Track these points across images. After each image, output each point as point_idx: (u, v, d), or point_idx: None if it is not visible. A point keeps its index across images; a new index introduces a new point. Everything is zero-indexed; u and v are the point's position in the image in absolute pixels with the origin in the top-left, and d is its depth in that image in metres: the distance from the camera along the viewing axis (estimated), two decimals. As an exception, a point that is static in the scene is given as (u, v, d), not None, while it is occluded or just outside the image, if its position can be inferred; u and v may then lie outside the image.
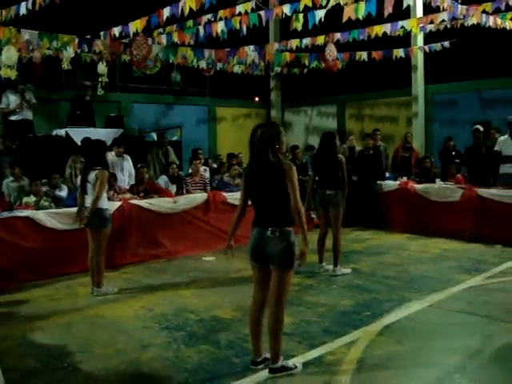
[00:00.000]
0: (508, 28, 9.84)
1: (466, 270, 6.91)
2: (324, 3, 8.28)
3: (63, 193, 8.25)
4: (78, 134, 9.57)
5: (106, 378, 3.92)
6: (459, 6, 8.66)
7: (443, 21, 9.90)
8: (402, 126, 13.80)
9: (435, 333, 4.74)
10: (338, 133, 7.35)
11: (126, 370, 4.05)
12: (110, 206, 6.60)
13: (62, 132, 10.01)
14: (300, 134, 16.78)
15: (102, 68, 10.39)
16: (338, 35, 10.72)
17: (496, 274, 6.72)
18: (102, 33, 9.55)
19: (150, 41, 9.31)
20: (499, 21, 9.58)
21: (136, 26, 8.65)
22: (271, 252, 3.82)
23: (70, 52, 8.75)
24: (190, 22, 9.96)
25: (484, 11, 9.12)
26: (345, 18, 8.26)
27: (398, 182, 10.15)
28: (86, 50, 8.81)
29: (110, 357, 4.28)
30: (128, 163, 9.23)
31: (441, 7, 8.68)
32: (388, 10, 7.84)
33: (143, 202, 7.79)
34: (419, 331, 4.79)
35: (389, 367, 4.02)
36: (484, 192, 8.73)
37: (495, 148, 9.01)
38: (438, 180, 9.67)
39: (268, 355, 3.95)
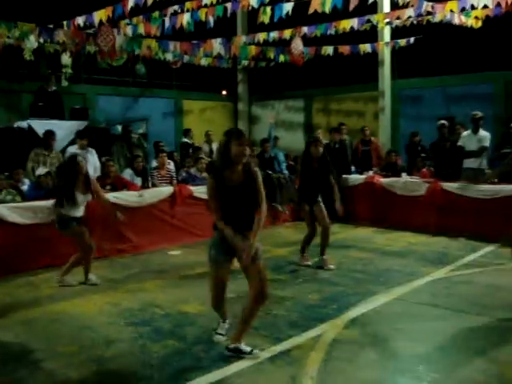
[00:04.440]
0: (471, 26, 10.00)
1: (430, 262, 7.01)
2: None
3: (25, 187, 8.03)
4: (41, 126, 9.31)
5: (69, 376, 3.83)
6: (425, 2, 8.76)
7: (410, 17, 9.99)
8: (369, 121, 13.91)
9: (400, 325, 4.79)
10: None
11: (90, 367, 3.96)
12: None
13: (23, 124, 9.74)
14: (267, 127, 16.74)
15: (65, 59, 10.19)
16: (305, 29, 10.72)
17: (459, 266, 6.84)
18: (65, 22, 9.33)
19: (115, 31, 9.14)
20: (463, 18, 9.72)
21: (100, 15, 8.48)
22: None
23: (32, 42, 8.52)
24: (156, 14, 9.82)
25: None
26: (311, 11, 8.25)
27: (363, 176, 10.23)
28: (49, 40, 8.59)
29: (73, 354, 4.19)
30: (93, 156, 9.04)
31: (407, 3, 8.75)
32: (354, 2, 7.85)
33: (109, 196, 7.63)
34: (385, 324, 4.83)
35: (355, 359, 4.05)
36: (448, 186, 8.88)
37: (459, 143, 9.15)
38: (403, 174, 9.79)
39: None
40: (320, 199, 6.90)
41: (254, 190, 3.96)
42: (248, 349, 4.06)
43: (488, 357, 4.08)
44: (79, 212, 6.15)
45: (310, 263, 6.97)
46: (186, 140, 11.88)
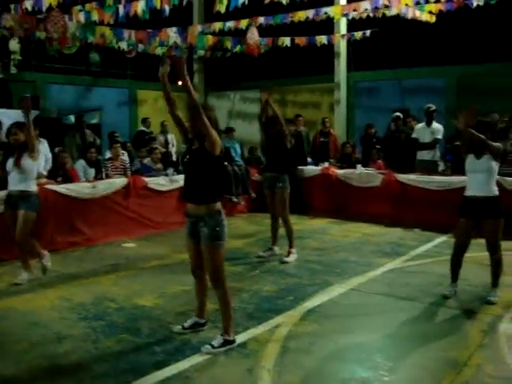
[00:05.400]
0: (425, 20, 10.17)
1: (386, 253, 7.10)
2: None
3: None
4: (-13, 115, 8.98)
5: (18, 375, 3.68)
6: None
7: (366, 9, 10.07)
8: (325, 113, 14.01)
9: (357, 315, 4.83)
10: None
11: (41, 365, 3.82)
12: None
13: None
14: (223, 118, 16.66)
15: (13, 45, 9.81)
16: (261, 19, 10.67)
17: (414, 256, 6.95)
18: (12, 6, 8.96)
19: (66, 18, 8.85)
20: (418, 12, 9.87)
21: (50, 0, 8.18)
22: None
23: (-23, 27, 8.18)
24: (111, 1, 9.56)
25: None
26: (267, 0, 8.20)
27: (319, 168, 10.28)
28: (-4, 24, 8.26)
29: (23, 352, 4.04)
30: (44, 147, 8.73)
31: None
32: None
33: (60, 188, 7.43)
34: (341, 314, 4.86)
35: (312, 350, 4.05)
36: (403, 178, 9.01)
37: (413, 135, 9.30)
38: (358, 166, 9.88)
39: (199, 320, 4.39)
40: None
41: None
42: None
43: (441, 344, 4.16)
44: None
45: (264, 254, 6.95)
46: (143, 128, 11.71)
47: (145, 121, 12.02)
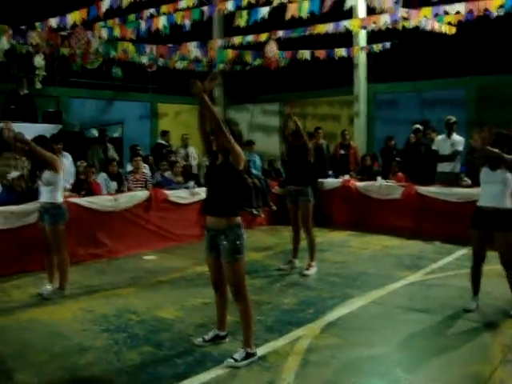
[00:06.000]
0: (445, 32, 10.14)
1: (406, 266, 7.06)
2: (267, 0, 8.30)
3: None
4: (13, 130, 9.15)
5: (41, 386, 3.74)
6: (400, 8, 8.85)
7: (385, 22, 10.07)
8: (344, 125, 13.99)
9: (377, 328, 4.81)
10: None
11: (62, 376, 3.87)
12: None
13: (-5, 127, 9.54)
14: (243, 131, 16.69)
15: (38, 61, 9.99)
16: (280, 33, 10.75)
17: (434, 269, 6.90)
18: (38, 24, 9.18)
19: (89, 34, 9.03)
20: (437, 24, 9.85)
21: (74, 17, 8.37)
22: None
23: (3, 43, 8.35)
24: (133, 17, 9.74)
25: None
26: (288, 16, 8.27)
27: (339, 180, 10.28)
28: (21, 41, 8.45)
29: (45, 363, 4.10)
30: (67, 161, 8.91)
31: (382, 9, 8.82)
32: (326, 7, 7.89)
33: (83, 201, 7.54)
34: (361, 327, 4.85)
35: (332, 363, 4.04)
36: (423, 190, 8.97)
37: (433, 147, 9.26)
38: (379, 178, 9.85)
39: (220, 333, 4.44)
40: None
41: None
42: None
43: (462, 359, 4.12)
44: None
45: (285, 267, 6.97)
46: (161, 141, 11.82)
47: (164, 134, 12.11)
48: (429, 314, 5.15)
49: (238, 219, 4.08)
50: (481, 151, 4.99)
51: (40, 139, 5.93)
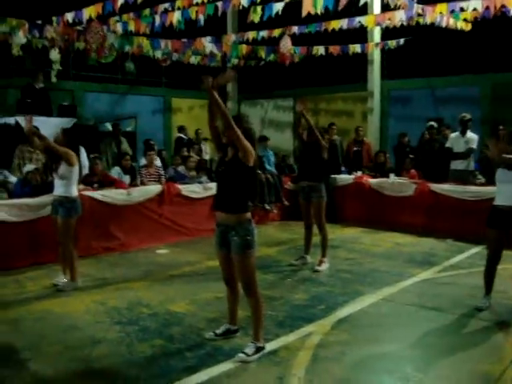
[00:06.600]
0: (460, 28, 10.07)
1: (418, 263, 7.05)
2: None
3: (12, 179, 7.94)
4: (28, 123, 9.22)
5: (54, 377, 3.79)
6: (415, 5, 8.79)
7: (400, 19, 10.01)
8: (358, 121, 13.95)
9: (387, 325, 4.82)
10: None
11: (76, 368, 3.92)
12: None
13: (11, 120, 9.64)
14: (256, 126, 16.72)
15: (54, 55, 10.05)
16: (294, 28, 10.73)
17: (446, 267, 6.88)
18: (54, 18, 9.25)
19: (105, 28, 9.08)
20: (452, 21, 9.78)
21: (90, 12, 8.42)
22: None
23: (20, 37, 8.43)
24: (147, 11, 9.77)
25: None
26: (304, 13, 8.24)
27: (352, 176, 10.26)
28: (38, 35, 8.51)
29: (59, 354, 4.15)
30: (82, 154, 8.95)
31: (397, 5, 8.77)
32: (342, 3, 7.86)
33: (96, 194, 7.61)
34: (372, 324, 4.85)
35: (342, 360, 4.05)
36: (436, 187, 8.93)
37: (447, 144, 9.20)
38: (391, 175, 9.82)
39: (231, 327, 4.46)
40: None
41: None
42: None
43: (473, 357, 4.11)
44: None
45: (296, 263, 6.99)
46: (180, 135, 11.91)
47: (183, 128, 12.26)
48: (440, 312, 5.14)
49: (248, 215, 4.10)
50: (498, 161, 4.97)
51: (69, 132, 6.04)
